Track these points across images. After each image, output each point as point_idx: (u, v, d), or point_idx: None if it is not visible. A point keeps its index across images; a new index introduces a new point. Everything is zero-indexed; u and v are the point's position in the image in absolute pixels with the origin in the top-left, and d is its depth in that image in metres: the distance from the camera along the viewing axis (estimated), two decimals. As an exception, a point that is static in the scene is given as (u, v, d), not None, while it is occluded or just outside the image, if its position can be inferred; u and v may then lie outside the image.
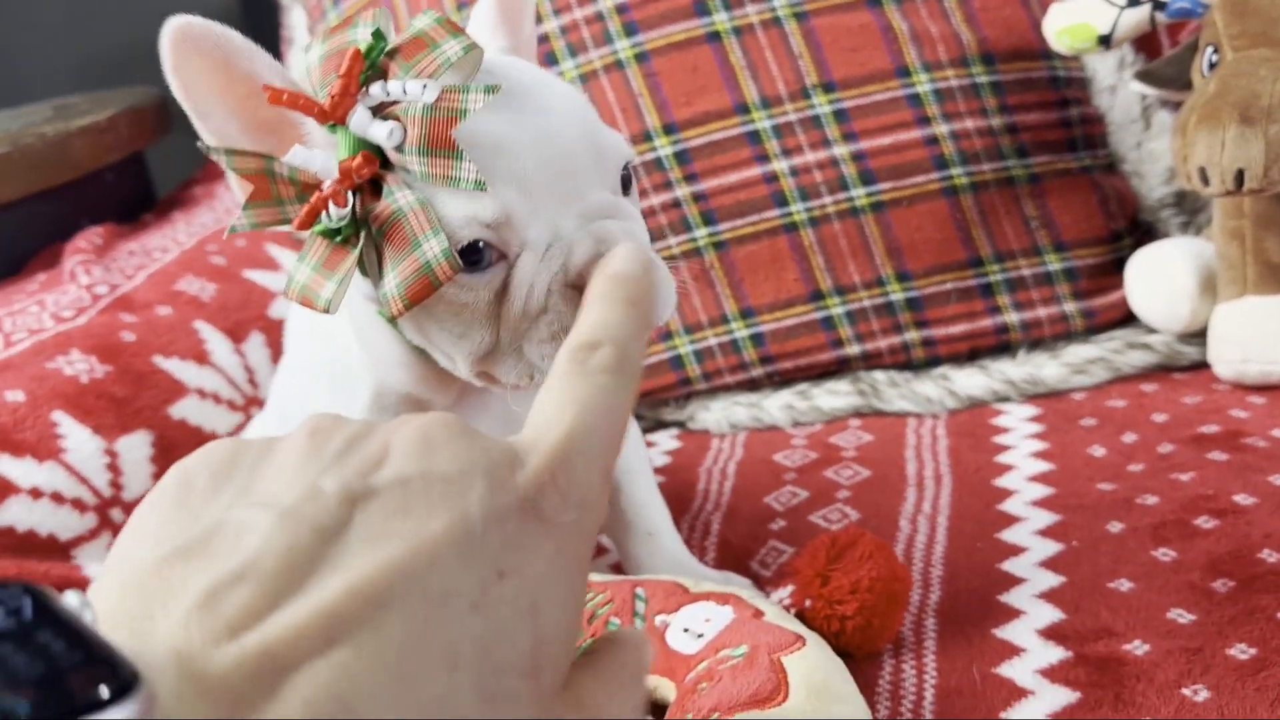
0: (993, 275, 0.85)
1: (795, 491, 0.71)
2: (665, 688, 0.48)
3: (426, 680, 0.22)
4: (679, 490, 0.73)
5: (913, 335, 0.85)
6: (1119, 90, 0.90)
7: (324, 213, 0.42)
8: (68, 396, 0.73)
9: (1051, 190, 0.87)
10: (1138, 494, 0.63)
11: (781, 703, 0.44)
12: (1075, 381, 0.81)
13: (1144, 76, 0.83)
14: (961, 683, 0.50)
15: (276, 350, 0.88)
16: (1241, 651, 0.49)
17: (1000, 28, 0.88)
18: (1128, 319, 0.85)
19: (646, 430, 0.86)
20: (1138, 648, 0.50)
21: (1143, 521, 0.60)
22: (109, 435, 0.73)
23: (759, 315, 0.85)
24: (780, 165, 0.85)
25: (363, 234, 0.43)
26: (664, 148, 0.86)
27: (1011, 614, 0.54)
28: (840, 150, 0.85)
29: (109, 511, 0.71)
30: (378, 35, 0.42)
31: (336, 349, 0.54)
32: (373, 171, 0.42)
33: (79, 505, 0.70)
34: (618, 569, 0.64)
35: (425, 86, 0.41)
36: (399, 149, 0.41)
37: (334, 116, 0.42)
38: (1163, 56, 0.85)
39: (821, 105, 0.85)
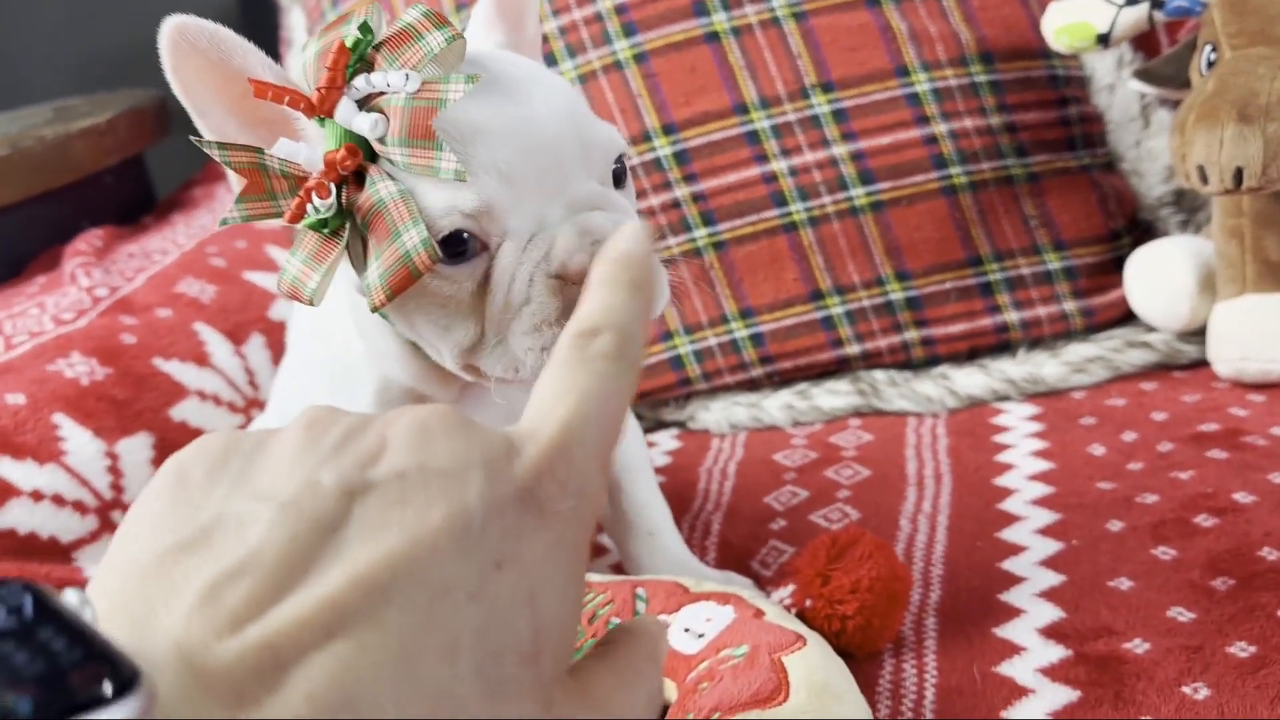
0: (992, 274, 0.85)
1: (795, 491, 0.71)
2: (666, 688, 0.48)
3: (428, 670, 0.22)
4: (679, 490, 0.73)
5: (912, 334, 0.85)
6: (1118, 89, 0.90)
7: (309, 205, 0.42)
8: (68, 399, 0.74)
9: (1050, 189, 0.87)
10: (1137, 492, 0.63)
11: (782, 702, 0.44)
12: (1075, 380, 0.81)
13: (1142, 75, 0.84)
14: (962, 682, 0.50)
15: (277, 352, 0.88)
16: (1241, 649, 0.49)
17: (999, 27, 0.88)
18: (1127, 317, 0.85)
19: (647, 430, 0.86)
20: (1138, 646, 0.50)
21: (1142, 520, 0.60)
22: (110, 437, 0.74)
23: (759, 315, 0.85)
24: (779, 165, 0.85)
25: (349, 226, 0.43)
26: (663, 148, 0.86)
27: (1012, 613, 0.54)
28: (839, 150, 0.85)
29: (110, 514, 0.71)
30: (364, 29, 0.43)
31: (337, 348, 0.54)
32: (357, 163, 0.42)
33: (80, 508, 0.70)
34: (618, 569, 0.64)
35: (408, 78, 0.41)
36: (382, 140, 0.42)
37: (321, 110, 0.42)
38: (1161, 55, 0.85)
39: (820, 105, 0.85)
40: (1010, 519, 0.63)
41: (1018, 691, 0.49)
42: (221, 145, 0.43)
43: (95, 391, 0.75)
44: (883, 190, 0.85)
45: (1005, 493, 0.66)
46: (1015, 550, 0.60)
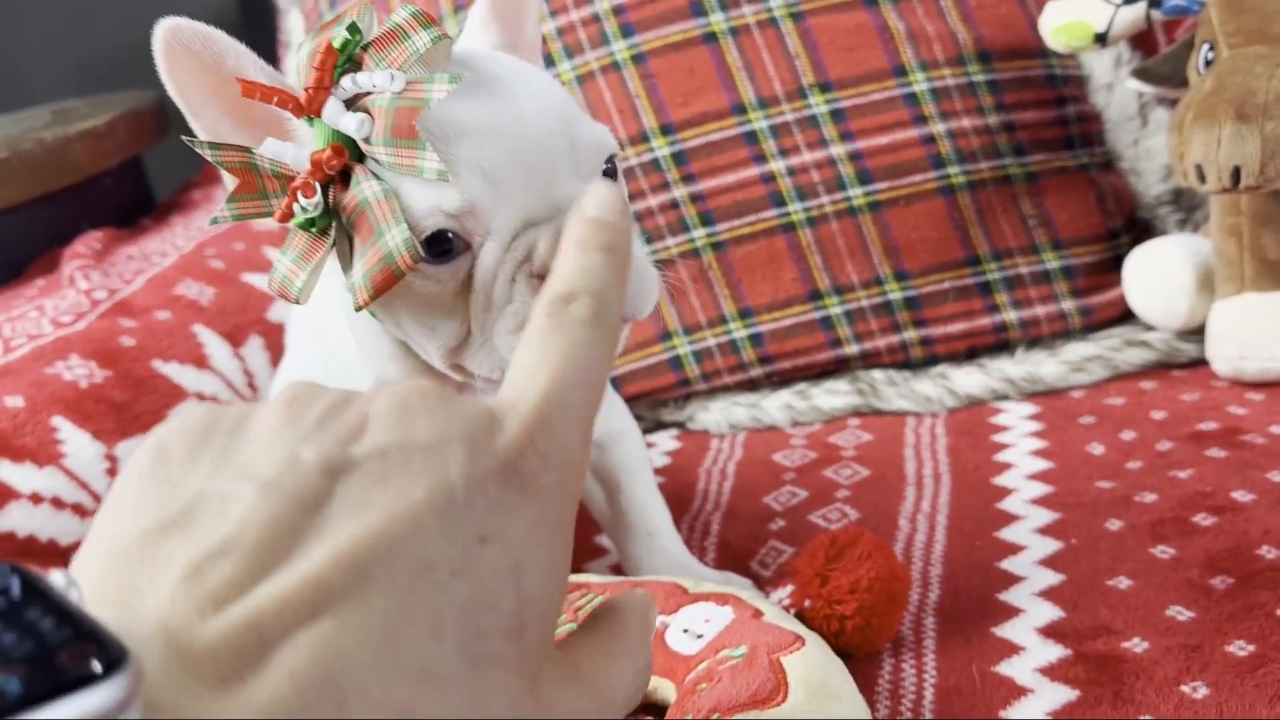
0: (990, 274, 0.85)
1: (795, 491, 0.71)
2: (665, 688, 0.48)
3: (412, 647, 0.22)
4: (679, 491, 0.73)
5: (911, 334, 0.85)
6: (1116, 88, 0.90)
7: (295, 204, 0.42)
8: (67, 402, 0.74)
9: (1049, 188, 0.87)
10: (1136, 491, 0.63)
11: (781, 703, 0.44)
12: (1074, 379, 0.81)
13: (1140, 74, 0.84)
14: (961, 681, 0.50)
15: (276, 353, 0.88)
16: (1240, 648, 0.49)
17: (996, 26, 0.88)
18: (1126, 316, 0.85)
19: (646, 431, 0.86)
20: (1137, 645, 0.50)
21: (1141, 519, 0.60)
22: (109, 440, 0.74)
23: (757, 315, 0.85)
24: (777, 165, 0.85)
25: (336, 225, 0.43)
26: (661, 149, 0.86)
27: (1011, 612, 0.54)
28: (837, 150, 0.85)
29: (109, 516, 0.71)
30: (353, 30, 0.43)
31: (332, 347, 0.54)
32: (343, 162, 0.42)
33: (79, 510, 0.70)
34: (617, 570, 0.64)
35: (393, 78, 0.41)
36: (368, 140, 0.42)
37: (309, 110, 0.42)
38: (1159, 54, 0.85)
39: (818, 105, 0.85)
40: (1009, 518, 0.63)
41: (1017, 691, 0.49)
42: (213, 145, 0.43)
43: (94, 394, 0.75)
44: (881, 190, 0.85)
45: (1004, 492, 0.66)
46: (1014, 549, 0.60)
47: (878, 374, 0.85)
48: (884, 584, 0.52)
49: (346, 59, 0.43)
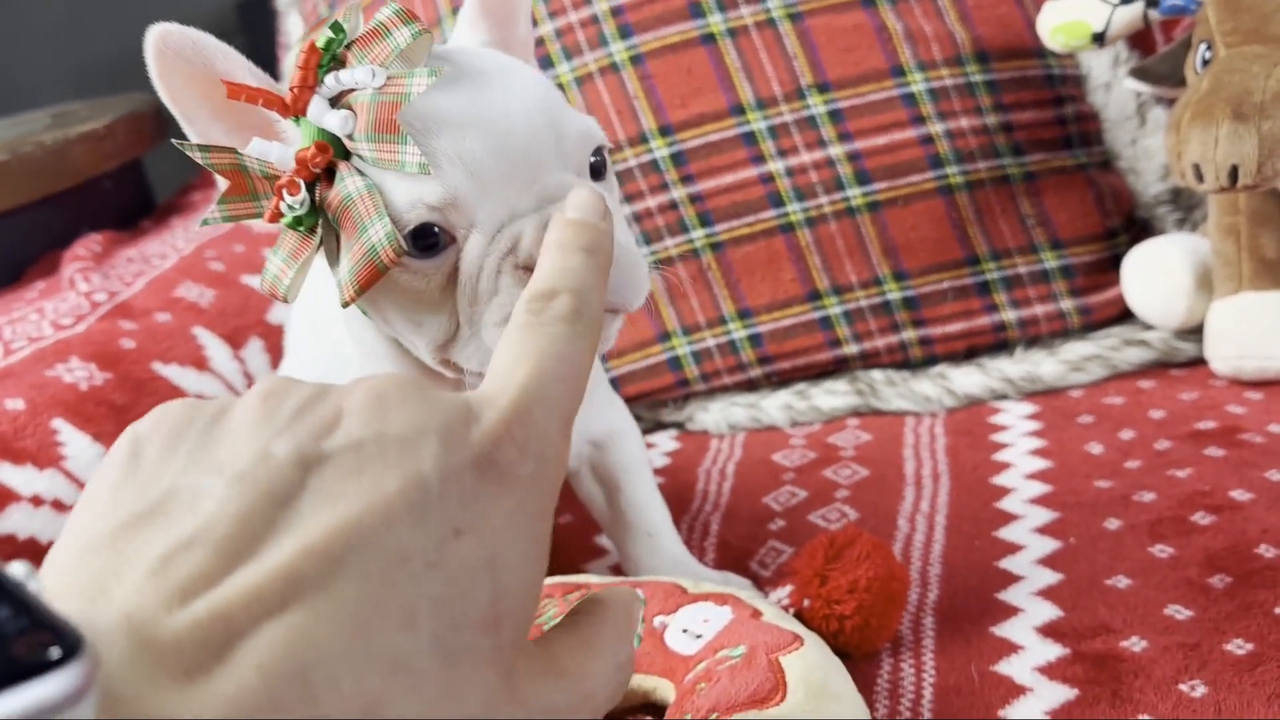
0: (989, 273, 0.85)
1: (794, 491, 0.71)
2: (664, 688, 0.48)
3: (383, 640, 0.22)
4: (678, 491, 0.73)
5: (910, 334, 0.85)
6: (1114, 87, 0.91)
7: (282, 202, 0.42)
8: (67, 404, 0.74)
9: (1047, 188, 0.87)
10: (1135, 491, 0.63)
11: (780, 703, 0.44)
12: (1073, 379, 0.81)
13: (1138, 73, 0.84)
14: (960, 681, 0.51)
15: (276, 355, 0.88)
16: (1238, 647, 0.49)
17: (994, 26, 0.88)
18: (1124, 316, 0.85)
19: (645, 431, 0.86)
20: (1135, 644, 0.50)
21: (1140, 518, 0.60)
22: (109, 442, 0.74)
23: (756, 316, 0.86)
24: (776, 166, 0.85)
25: (321, 223, 0.44)
26: (660, 149, 0.86)
27: (1009, 612, 0.55)
28: (836, 150, 0.85)
29: (110, 518, 0.71)
30: (336, 29, 0.43)
31: (331, 347, 0.55)
32: (327, 159, 0.42)
33: (80, 512, 0.70)
34: (617, 570, 0.64)
35: (374, 73, 0.41)
36: (351, 136, 0.42)
37: (295, 109, 0.42)
38: (1157, 53, 0.85)
39: (817, 106, 0.85)
40: (1008, 518, 0.63)
41: (1015, 690, 0.49)
42: (203, 147, 0.43)
43: (94, 396, 0.75)
44: (879, 190, 0.85)
45: (1003, 491, 0.66)
46: (1013, 549, 0.60)
47: (877, 374, 0.85)
48: (883, 584, 0.52)
49: (331, 58, 0.43)
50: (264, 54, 1.21)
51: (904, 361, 0.86)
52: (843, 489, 0.70)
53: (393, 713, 0.22)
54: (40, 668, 0.18)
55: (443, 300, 0.44)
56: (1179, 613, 0.52)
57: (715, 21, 0.87)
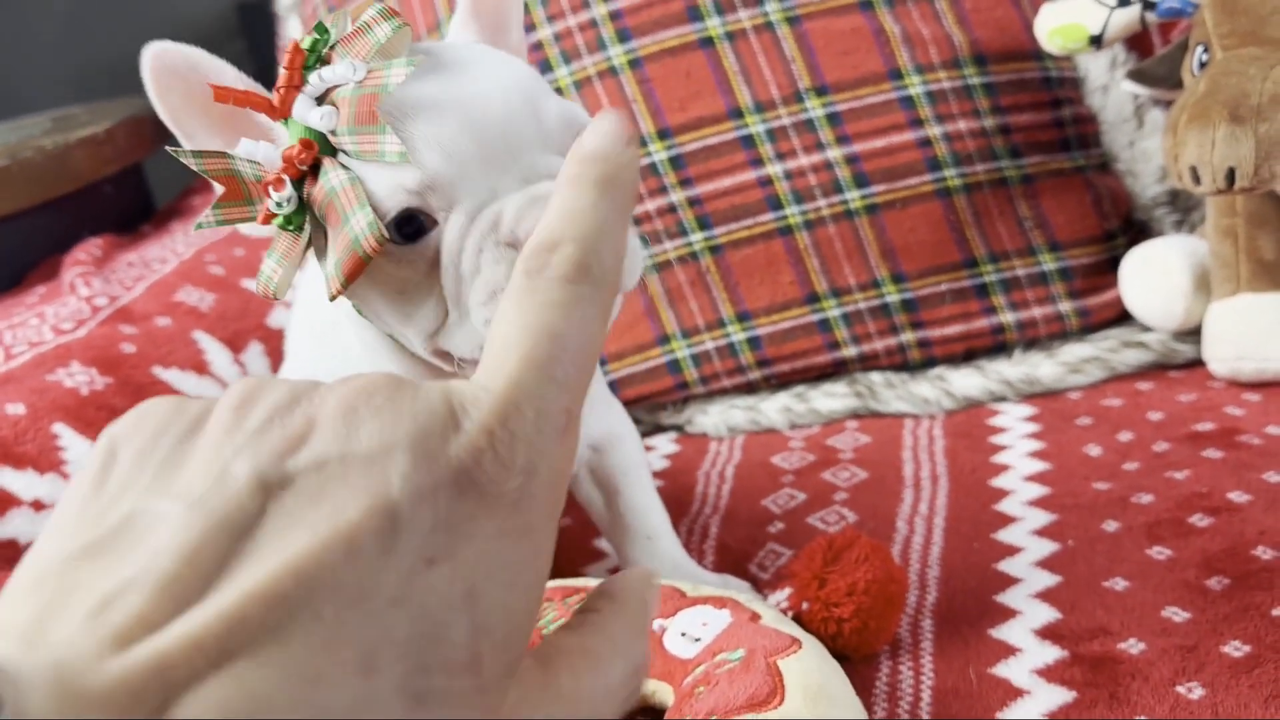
0: (988, 276, 0.86)
1: (793, 494, 0.71)
2: (663, 692, 0.48)
3: (337, 688, 0.20)
4: (677, 494, 0.73)
5: (909, 336, 0.85)
6: (1111, 90, 0.91)
7: (269, 200, 0.43)
8: (68, 409, 0.74)
9: (1045, 190, 0.87)
10: (1133, 493, 0.63)
11: (778, 706, 0.44)
12: (1071, 381, 0.81)
13: (1135, 76, 0.84)
14: (958, 683, 0.51)
15: (276, 359, 0.88)
16: (1236, 649, 0.49)
17: (992, 29, 0.88)
18: (1123, 318, 0.86)
19: (644, 434, 0.86)
20: (1133, 646, 0.51)
21: (1138, 520, 0.61)
22: (110, 446, 0.74)
23: (755, 319, 0.86)
24: (774, 169, 0.85)
25: (309, 220, 0.44)
26: (658, 153, 0.86)
27: (1008, 614, 0.55)
28: (834, 153, 0.85)
29: (110, 522, 0.71)
30: (320, 29, 0.43)
31: (334, 348, 0.55)
32: (312, 156, 0.42)
33: (81, 517, 0.70)
34: (617, 573, 0.64)
35: (355, 68, 0.42)
36: (334, 132, 0.42)
37: (281, 109, 0.43)
38: (1154, 56, 0.85)
39: (815, 109, 0.86)
40: (1006, 520, 0.64)
41: (1013, 693, 0.49)
42: (197, 153, 0.44)
43: (95, 401, 0.76)
44: (877, 193, 0.85)
45: (1001, 494, 0.67)
46: (1011, 551, 0.60)
47: (875, 376, 0.85)
48: (881, 586, 0.52)
49: (316, 58, 0.43)
50: (264, 58, 1.21)
51: (903, 364, 0.86)
52: (841, 491, 0.70)
53: None
54: None
55: (430, 288, 0.44)
56: (1176, 615, 0.52)
57: (713, 25, 0.87)
